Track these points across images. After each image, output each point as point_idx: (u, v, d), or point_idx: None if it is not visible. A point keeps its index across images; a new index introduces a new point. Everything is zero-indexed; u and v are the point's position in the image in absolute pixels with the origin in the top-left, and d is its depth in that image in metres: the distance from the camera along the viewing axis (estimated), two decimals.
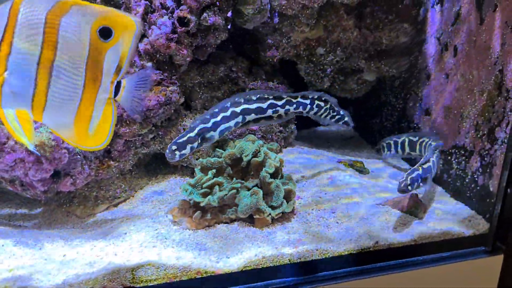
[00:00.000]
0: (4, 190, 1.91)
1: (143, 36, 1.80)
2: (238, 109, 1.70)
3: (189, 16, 1.72)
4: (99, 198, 1.77)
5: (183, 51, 1.78)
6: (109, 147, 1.74)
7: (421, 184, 1.72)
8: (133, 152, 1.81)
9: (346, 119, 1.92)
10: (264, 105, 1.75)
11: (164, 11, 1.74)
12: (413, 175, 1.70)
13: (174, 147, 1.58)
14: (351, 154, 2.40)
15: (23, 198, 1.85)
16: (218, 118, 1.66)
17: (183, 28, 1.73)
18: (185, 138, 1.60)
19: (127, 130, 1.72)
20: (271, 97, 1.76)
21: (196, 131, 1.62)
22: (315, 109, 1.85)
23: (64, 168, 1.59)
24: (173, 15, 1.74)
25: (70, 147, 1.56)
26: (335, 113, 1.91)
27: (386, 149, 2.24)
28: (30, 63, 1.12)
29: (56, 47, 1.13)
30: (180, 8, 1.72)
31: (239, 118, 1.71)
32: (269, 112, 1.76)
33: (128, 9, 1.78)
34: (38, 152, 1.50)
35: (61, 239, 1.55)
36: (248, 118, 1.74)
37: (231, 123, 1.69)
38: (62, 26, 1.13)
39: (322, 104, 1.86)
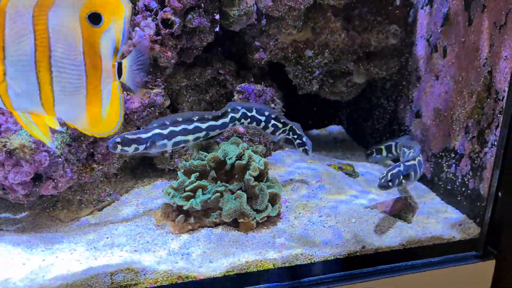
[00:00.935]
0: None
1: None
2: (203, 125, 1.65)
3: (172, 17, 1.71)
4: (83, 202, 1.75)
5: (167, 53, 1.76)
6: (92, 150, 1.72)
7: (403, 181, 1.69)
8: (118, 155, 1.79)
9: (306, 147, 1.89)
10: (227, 120, 1.71)
11: (148, 13, 1.73)
12: (394, 171, 1.67)
13: (118, 140, 1.50)
14: (342, 157, 2.37)
15: (8, 203, 1.83)
16: (178, 129, 1.60)
17: (167, 30, 1.72)
18: (134, 137, 1.53)
19: None
20: (229, 109, 1.71)
21: (149, 134, 1.56)
22: (271, 128, 1.81)
23: (45, 171, 1.57)
24: (157, 17, 1.72)
25: (51, 149, 1.54)
26: (296, 136, 1.88)
27: (375, 153, 2.26)
28: (26, 63, 1.11)
29: (49, 42, 1.12)
30: (164, 10, 1.71)
31: (202, 134, 1.66)
32: (230, 125, 1.73)
33: None
34: (56, 150, 1.52)
35: (41, 243, 1.53)
36: (212, 133, 1.69)
37: (190, 137, 1.63)
38: (50, 20, 1.11)
39: (279, 125, 1.82)
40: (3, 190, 1.59)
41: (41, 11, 1.10)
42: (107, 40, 1.20)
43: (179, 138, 1.61)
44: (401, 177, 1.68)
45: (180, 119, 1.61)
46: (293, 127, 1.87)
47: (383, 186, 1.65)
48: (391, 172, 1.67)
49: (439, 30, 1.92)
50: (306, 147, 1.89)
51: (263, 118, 1.78)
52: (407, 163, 1.74)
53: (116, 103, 1.27)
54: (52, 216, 1.73)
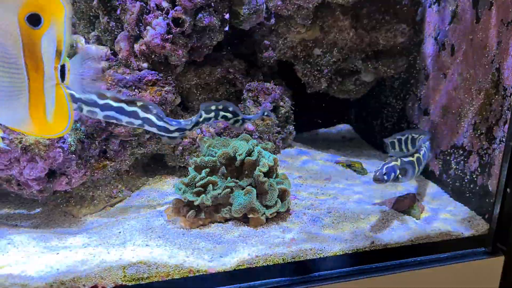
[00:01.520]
0: (4, 191, 1.94)
1: (138, 37, 1.82)
2: (143, 115, 1.59)
3: (183, 16, 1.73)
4: (95, 198, 1.78)
5: (178, 51, 1.79)
6: (104, 147, 1.75)
7: (400, 176, 1.67)
8: (129, 152, 1.82)
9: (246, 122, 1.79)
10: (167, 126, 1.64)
11: (159, 12, 1.76)
12: (390, 164, 1.65)
13: None
14: (351, 155, 2.39)
15: (23, 199, 1.87)
16: (115, 104, 1.55)
17: (178, 29, 1.75)
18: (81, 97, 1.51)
19: (122, 130, 1.73)
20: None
21: (92, 97, 1.52)
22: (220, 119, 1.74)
23: (59, 167, 1.60)
24: (168, 16, 1.75)
25: (65, 146, 1.57)
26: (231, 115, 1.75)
27: (390, 148, 2.21)
28: None
29: None
30: (175, 9, 1.74)
31: (137, 122, 1.60)
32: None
33: (124, 10, 1.80)
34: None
35: (55, 237, 1.56)
36: (147, 127, 1.63)
37: (123, 117, 1.57)
38: None
39: (229, 115, 1.73)
40: (18, 186, 1.63)
41: None
42: (48, 41, 1.16)
43: (112, 113, 1.56)
44: (398, 171, 1.66)
45: (123, 98, 1.58)
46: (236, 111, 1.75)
47: (378, 179, 1.62)
48: (386, 166, 1.65)
49: (446, 28, 1.93)
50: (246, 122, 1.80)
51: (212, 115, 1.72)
52: (405, 159, 1.72)
53: (63, 106, 1.23)
54: (65, 211, 1.77)
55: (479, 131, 1.75)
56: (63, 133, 1.25)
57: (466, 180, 1.83)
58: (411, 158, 1.74)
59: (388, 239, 1.60)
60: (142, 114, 1.59)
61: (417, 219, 1.75)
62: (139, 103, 1.59)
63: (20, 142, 1.50)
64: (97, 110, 1.54)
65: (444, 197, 1.94)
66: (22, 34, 1.13)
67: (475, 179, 1.78)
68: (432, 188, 2.02)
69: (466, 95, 1.81)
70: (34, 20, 1.13)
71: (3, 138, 1.53)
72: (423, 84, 2.13)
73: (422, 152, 1.80)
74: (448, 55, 1.93)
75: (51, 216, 1.76)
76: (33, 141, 1.51)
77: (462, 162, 1.85)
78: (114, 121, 1.58)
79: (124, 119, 1.58)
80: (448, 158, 1.94)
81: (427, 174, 2.10)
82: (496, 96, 1.66)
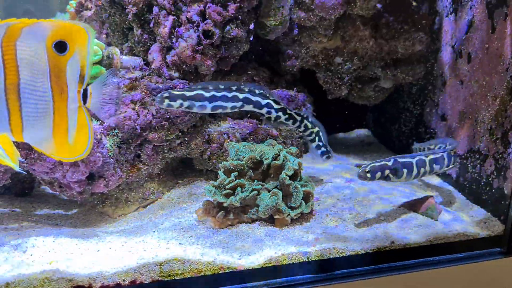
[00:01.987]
0: (42, 192, 2.07)
1: (170, 48, 1.93)
2: (240, 95, 1.74)
3: (213, 29, 1.84)
4: (129, 199, 1.89)
5: (207, 61, 1.89)
6: (139, 151, 1.87)
7: (390, 175, 1.67)
8: (161, 157, 1.93)
9: (329, 155, 1.99)
10: (263, 102, 1.81)
11: (190, 25, 1.87)
12: (378, 163, 1.66)
13: (166, 95, 1.62)
14: (370, 159, 2.46)
15: (60, 200, 1.99)
16: (219, 94, 1.70)
17: (208, 41, 1.85)
18: (179, 93, 1.64)
19: (156, 136, 1.84)
20: (271, 98, 1.82)
21: (193, 92, 1.66)
22: (302, 128, 1.94)
23: (98, 170, 1.71)
24: (199, 29, 1.86)
25: (104, 151, 1.69)
26: (320, 143, 1.98)
27: None
28: None
29: (18, 71, 1.18)
30: (205, 22, 1.84)
31: (238, 104, 1.75)
32: (264, 110, 1.83)
33: (157, 24, 1.91)
34: (21, 170, 1.44)
35: (95, 236, 1.66)
36: (246, 107, 1.78)
37: (228, 104, 1.73)
38: (18, 50, 1.18)
39: (309, 125, 1.94)
40: (60, 188, 1.74)
41: (9, 41, 1.17)
42: (73, 66, 1.25)
43: (218, 103, 1.71)
44: (386, 171, 1.66)
45: (222, 86, 1.71)
46: (320, 133, 1.99)
47: (360, 177, 1.64)
48: (373, 164, 1.65)
49: (463, 37, 2.01)
50: (329, 155, 2.00)
51: (298, 118, 1.92)
52: (401, 159, 1.71)
53: (84, 129, 1.32)
54: (101, 212, 1.88)
55: (495, 136, 1.82)
56: (82, 156, 1.33)
57: (482, 183, 1.90)
58: (409, 160, 1.73)
59: (407, 239, 1.66)
60: (240, 95, 1.74)
61: (435, 220, 1.81)
62: (234, 87, 1.73)
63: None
64: (206, 103, 1.68)
65: (461, 200, 2.00)
66: (50, 60, 1.23)
67: (491, 182, 1.85)
68: (449, 190, 2.09)
69: (482, 102, 1.89)
70: (61, 47, 1.23)
71: (21, 162, 1.60)
72: (441, 91, 2.20)
73: (430, 157, 1.78)
74: (465, 63, 2.00)
75: (88, 216, 1.87)
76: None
77: (478, 165, 1.92)
78: (220, 110, 1.73)
79: (229, 105, 1.73)
80: (465, 161, 2.01)
81: (444, 177, 2.17)
82: (511, 103, 1.73)
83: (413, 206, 1.87)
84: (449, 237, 1.71)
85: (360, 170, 1.65)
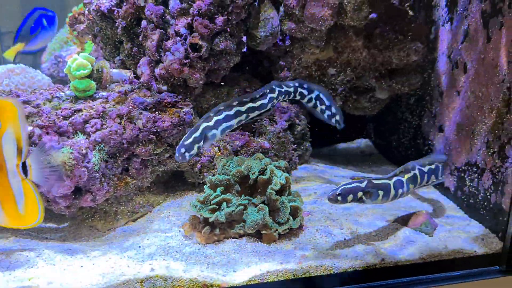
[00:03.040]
0: None
1: (159, 61, 1.92)
2: (243, 108, 1.74)
3: (200, 42, 1.83)
4: (118, 213, 1.88)
5: (195, 74, 1.88)
6: (126, 165, 1.86)
7: (363, 198, 1.61)
8: (150, 170, 1.92)
9: (337, 117, 1.95)
10: (266, 101, 1.79)
11: (178, 38, 1.86)
12: (350, 186, 1.60)
13: (183, 150, 1.63)
14: (368, 171, 2.41)
15: (52, 213, 1.99)
16: (221, 116, 1.70)
17: (195, 54, 1.84)
18: (191, 139, 1.64)
19: (143, 150, 1.83)
20: (267, 91, 1.81)
21: (200, 130, 1.66)
22: (298, 97, 1.90)
23: (84, 185, 1.71)
24: (186, 42, 1.85)
25: (90, 165, 1.68)
26: (324, 107, 1.94)
27: None
28: None
29: None
30: (192, 35, 1.83)
31: (243, 117, 1.75)
32: (269, 106, 1.81)
33: (145, 37, 1.91)
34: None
35: (80, 251, 1.66)
36: (252, 115, 1.78)
37: (233, 121, 1.72)
38: None
39: (305, 92, 1.90)
40: (47, 202, 1.74)
41: None
42: (8, 142, 1.29)
43: (224, 125, 1.71)
44: (359, 193, 1.61)
45: (222, 107, 1.72)
46: (320, 95, 1.92)
47: (331, 200, 1.59)
48: (344, 187, 1.60)
49: (459, 47, 1.95)
50: (336, 117, 1.95)
51: (292, 89, 1.89)
52: (375, 181, 1.64)
53: (32, 199, 1.37)
54: (91, 226, 1.87)
55: (491, 149, 1.76)
56: (36, 223, 1.40)
57: (480, 198, 1.84)
58: (385, 181, 1.67)
59: (399, 256, 1.62)
60: (242, 108, 1.75)
61: (429, 236, 1.76)
62: (234, 103, 1.74)
63: (48, 163, 1.62)
64: (214, 132, 1.69)
65: (459, 214, 1.94)
66: None
67: (489, 196, 1.78)
68: (447, 204, 2.03)
69: (479, 113, 1.83)
70: None
71: None
72: (438, 101, 2.14)
73: (407, 176, 1.73)
74: (461, 73, 1.94)
75: (78, 230, 1.87)
76: (60, 162, 1.62)
77: (476, 179, 1.86)
78: (229, 129, 1.74)
79: (234, 121, 1.73)
80: (462, 175, 1.95)
81: (443, 190, 2.11)
82: (508, 115, 1.67)
83: (406, 221, 1.82)
84: (444, 254, 1.66)
85: (330, 193, 1.60)
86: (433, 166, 1.84)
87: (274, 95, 1.82)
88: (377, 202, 1.66)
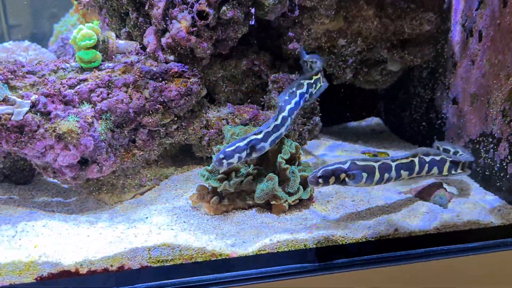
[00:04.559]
0: (43, 181, 2.05)
1: (165, 30, 1.88)
2: (280, 117, 1.65)
3: (207, 9, 1.78)
4: (126, 186, 1.85)
5: (203, 44, 1.84)
6: (133, 136, 1.83)
7: (346, 180, 1.52)
8: (158, 142, 1.89)
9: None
10: (299, 99, 1.74)
11: (184, 5, 1.82)
12: (330, 168, 1.52)
13: (221, 156, 1.54)
14: (378, 147, 2.36)
15: (60, 188, 1.97)
16: (270, 129, 1.61)
17: (202, 22, 1.80)
18: (233, 148, 1.55)
19: (150, 120, 1.80)
20: (296, 88, 1.76)
21: (246, 141, 1.58)
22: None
23: (90, 155, 1.68)
24: (193, 9, 1.81)
25: (96, 134, 1.65)
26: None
27: None
28: None
29: None
30: (199, 2, 1.79)
31: (289, 121, 1.68)
32: (302, 102, 1.76)
33: (151, 5, 1.87)
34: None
35: (87, 222, 1.64)
36: (295, 115, 1.72)
37: (282, 129, 1.65)
38: None
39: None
40: (53, 174, 1.72)
41: None
42: None
43: (273, 136, 1.62)
44: (342, 175, 1.52)
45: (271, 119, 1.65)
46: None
47: (311, 182, 1.51)
48: (325, 168, 1.51)
49: (474, 14, 1.89)
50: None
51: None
52: (360, 163, 1.54)
53: None
54: (98, 199, 1.85)
55: (508, 117, 1.71)
56: None
57: (496, 169, 1.79)
58: (370, 163, 1.55)
59: (413, 227, 1.58)
60: (280, 116, 1.66)
61: (444, 208, 1.71)
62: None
63: (54, 131, 1.59)
64: (263, 144, 1.60)
65: (474, 186, 1.89)
66: None
67: (505, 167, 1.73)
68: (461, 177, 1.97)
69: (494, 81, 1.77)
70: None
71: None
72: (452, 72, 2.09)
73: (399, 162, 1.59)
74: (476, 42, 1.89)
75: (85, 204, 1.85)
76: (66, 130, 1.59)
77: (491, 150, 1.81)
78: (278, 139, 1.65)
79: (282, 130, 1.65)
80: (477, 146, 1.90)
81: None
82: None
83: (421, 193, 1.78)
84: (459, 225, 1.62)
85: (310, 176, 1.52)
86: (438, 158, 1.70)
87: (303, 90, 1.79)
88: (360, 185, 1.56)
